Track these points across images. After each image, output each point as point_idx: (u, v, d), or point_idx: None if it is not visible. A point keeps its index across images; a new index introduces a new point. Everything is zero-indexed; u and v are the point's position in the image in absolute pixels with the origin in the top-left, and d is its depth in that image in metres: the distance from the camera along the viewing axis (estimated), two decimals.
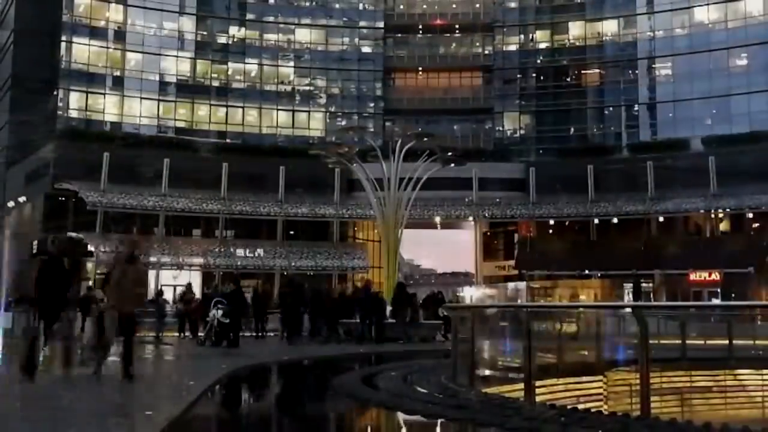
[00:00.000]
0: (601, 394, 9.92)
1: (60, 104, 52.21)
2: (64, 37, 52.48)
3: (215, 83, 56.33)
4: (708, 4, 52.20)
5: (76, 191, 45.36)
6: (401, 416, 8.07)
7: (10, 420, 6.88)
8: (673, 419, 7.12)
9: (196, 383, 9.89)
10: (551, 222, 50.53)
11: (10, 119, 55.85)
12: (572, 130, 55.65)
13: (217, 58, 56.60)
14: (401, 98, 58.16)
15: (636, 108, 54.75)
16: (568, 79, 56.55)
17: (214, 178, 48.22)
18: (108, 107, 53.59)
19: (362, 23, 58.55)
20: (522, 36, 57.79)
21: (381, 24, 58.35)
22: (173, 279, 44.82)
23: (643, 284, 41.58)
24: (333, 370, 14.70)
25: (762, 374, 12.33)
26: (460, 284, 49.08)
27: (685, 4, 52.71)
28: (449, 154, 36.32)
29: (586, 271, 42.77)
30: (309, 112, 57.27)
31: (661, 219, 47.88)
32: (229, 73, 56.83)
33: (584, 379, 10.25)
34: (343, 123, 55.82)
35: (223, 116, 55.85)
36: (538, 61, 57.58)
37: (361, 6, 58.96)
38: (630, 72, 55.24)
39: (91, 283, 35.22)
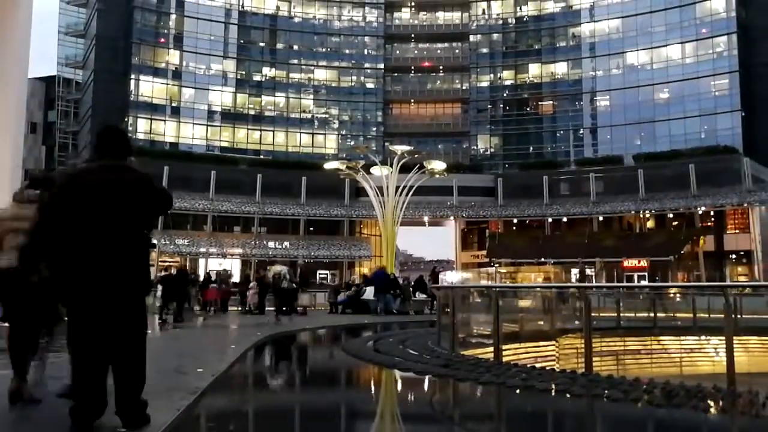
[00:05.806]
0: (554, 355, 9.91)
1: (129, 128, 52.13)
2: (133, 76, 52.56)
3: (252, 112, 56.25)
4: (637, 50, 52.26)
5: None
6: (397, 372, 8.07)
7: None
8: (610, 375, 7.13)
9: (237, 347, 9.88)
10: (515, 221, 50.51)
11: (90, 141, 55.88)
12: (531, 148, 55.60)
13: (253, 92, 56.54)
14: (397, 123, 58.10)
15: (581, 131, 54.69)
16: (528, 109, 56.50)
17: (250, 186, 48.18)
18: (167, 131, 53.61)
19: (367, 65, 58.51)
20: (492, 75, 57.75)
21: (381, 65, 58.31)
22: (218, 265, 44.74)
23: (587, 269, 41.62)
24: (344, 336, 14.71)
25: (680, 340, 12.34)
26: (443, 269, 48.95)
27: (619, 50, 52.75)
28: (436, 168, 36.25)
29: (542, 260, 42.77)
30: (325, 134, 57.23)
31: (601, 218, 47.83)
32: (263, 104, 56.76)
33: (541, 343, 10.24)
34: (352, 143, 55.75)
35: (257, 138, 55.83)
36: (505, 95, 57.57)
37: (365, 51, 58.91)
38: (576, 103, 55.18)
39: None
